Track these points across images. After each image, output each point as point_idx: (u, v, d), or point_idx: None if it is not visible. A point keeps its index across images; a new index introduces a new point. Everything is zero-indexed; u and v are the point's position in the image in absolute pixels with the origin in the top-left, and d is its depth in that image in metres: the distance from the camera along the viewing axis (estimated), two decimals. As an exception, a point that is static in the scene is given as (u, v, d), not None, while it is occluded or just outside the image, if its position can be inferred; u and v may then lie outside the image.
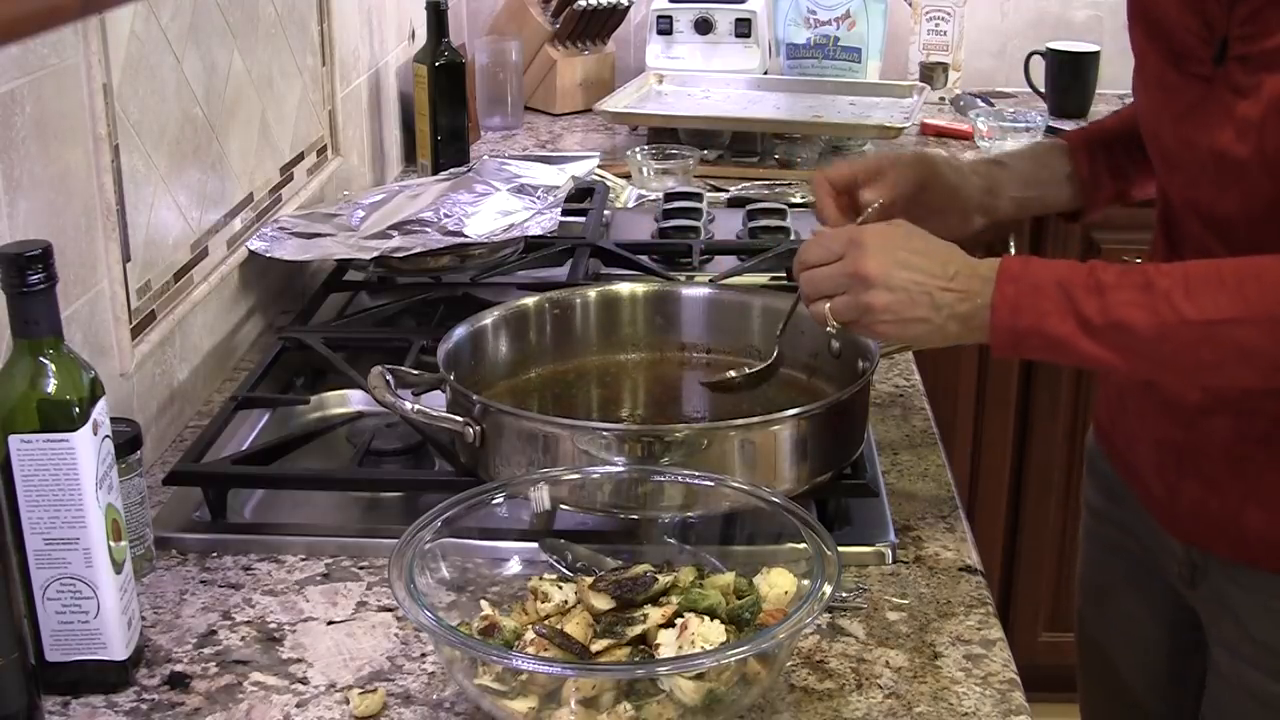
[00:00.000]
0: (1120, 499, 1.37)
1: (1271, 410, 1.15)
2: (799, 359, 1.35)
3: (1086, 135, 1.42)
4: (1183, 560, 1.28)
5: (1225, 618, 1.24)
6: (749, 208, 2.11)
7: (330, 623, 1.12)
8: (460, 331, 1.33)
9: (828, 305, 1.13)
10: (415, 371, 1.30)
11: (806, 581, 0.99)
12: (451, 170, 2.03)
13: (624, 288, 1.45)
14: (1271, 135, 1.05)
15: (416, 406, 1.21)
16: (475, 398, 1.20)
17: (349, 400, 1.48)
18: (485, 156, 2.13)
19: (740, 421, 1.17)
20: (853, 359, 1.27)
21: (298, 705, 1.02)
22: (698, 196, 2.16)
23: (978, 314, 1.09)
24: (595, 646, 0.96)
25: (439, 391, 1.28)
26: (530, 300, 1.41)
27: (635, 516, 1.14)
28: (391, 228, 1.73)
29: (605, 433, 1.16)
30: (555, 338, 1.41)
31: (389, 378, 1.23)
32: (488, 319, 1.37)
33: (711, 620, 0.97)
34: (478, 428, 1.19)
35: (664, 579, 1.02)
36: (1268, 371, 1.05)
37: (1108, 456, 1.39)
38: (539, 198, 1.85)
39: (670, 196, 2.16)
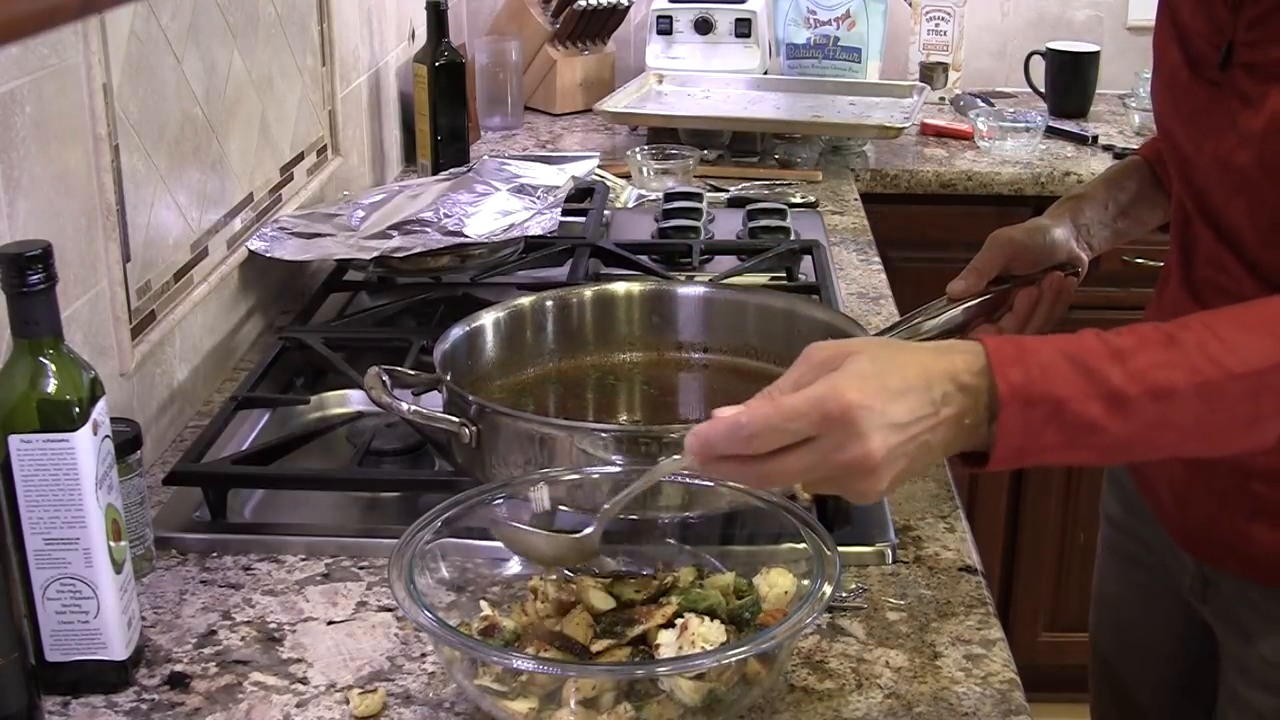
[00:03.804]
0: (1137, 511, 1.36)
1: None
2: (794, 358, 1.35)
3: (1156, 144, 1.35)
4: (1194, 575, 1.27)
5: (1234, 634, 1.23)
6: (749, 208, 2.11)
7: (330, 623, 1.12)
8: (456, 332, 1.33)
9: (799, 486, 0.93)
10: (412, 372, 1.30)
11: (806, 581, 0.99)
12: (451, 170, 2.03)
13: (620, 287, 1.45)
14: (1272, 147, 1.03)
15: (413, 407, 1.21)
16: (471, 398, 1.19)
17: (349, 400, 1.48)
18: (485, 156, 2.13)
19: None
20: None
21: (298, 705, 1.02)
22: (698, 196, 2.16)
23: (975, 430, 0.89)
24: (595, 646, 0.96)
25: (437, 392, 1.28)
26: (526, 300, 1.41)
27: (635, 516, 1.13)
28: (391, 228, 1.73)
29: (602, 434, 1.16)
30: (552, 338, 1.41)
31: (386, 378, 1.23)
32: (484, 319, 1.37)
33: (711, 620, 0.97)
34: (474, 428, 1.18)
35: (664, 579, 1.02)
36: None
37: (1126, 468, 1.38)
38: (539, 198, 1.85)
39: (670, 196, 2.16)
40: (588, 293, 1.44)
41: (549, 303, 1.41)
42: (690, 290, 1.46)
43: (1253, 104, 1.05)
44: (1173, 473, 1.25)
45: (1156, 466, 1.28)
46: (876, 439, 0.85)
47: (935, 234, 2.45)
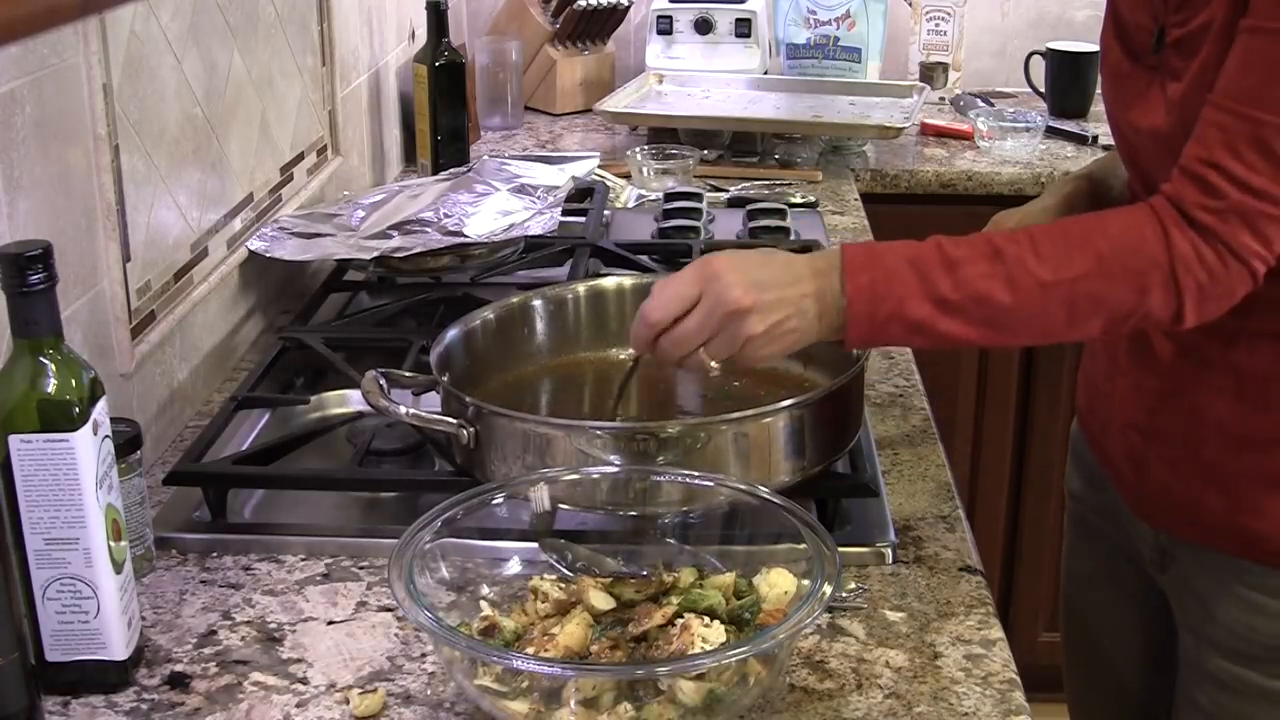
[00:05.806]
0: (1099, 485, 1.39)
1: (1228, 393, 1.17)
2: (791, 356, 1.35)
3: None
4: (1152, 545, 1.30)
5: (1190, 601, 1.26)
6: (749, 208, 2.11)
7: (330, 623, 1.12)
8: (452, 333, 1.33)
9: (702, 352, 1.09)
10: (409, 374, 1.30)
11: (806, 581, 0.99)
12: (451, 170, 2.03)
13: (610, 282, 1.46)
14: (1191, 108, 1.08)
15: (411, 410, 1.21)
16: (468, 400, 1.19)
17: (349, 400, 1.48)
18: (485, 156, 2.13)
19: (734, 415, 1.16)
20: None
21: (298, 705, 1.02)
22: (698, 196, 2.16)
23: (833, 310, 1.08)
24: (595, 646, 0.96)
25: (435, 392, 1.28)
26: (518, 299, 1.41)
27: (635, 514, 1.13)
28: (391, 228, 1.73)
29: (599, 431, 1.16)
30: (546, 335, 1.41)
31: (383, 381, 1.23)
32: (478, 319, 1.37)
33: (711, 620, 0.97)
34: (472, 429, 1.19)
35: (664, 579, 1.02)
36: (1118, 319, 1.07)
37: (1087, 442, 1.40)
38: (539, 198, 1.85)
39: (670, 196, 2.16)
40: (580, 289, 1.44)
41: (538, 301, 1.42)
42: None
43: (1179, 76, 1.11)
44: (1130, 443, 1.27)
45: (1115, 438, 1.31)
46: (740, 289, 1.06)
47: (935, 234, 2.44)
